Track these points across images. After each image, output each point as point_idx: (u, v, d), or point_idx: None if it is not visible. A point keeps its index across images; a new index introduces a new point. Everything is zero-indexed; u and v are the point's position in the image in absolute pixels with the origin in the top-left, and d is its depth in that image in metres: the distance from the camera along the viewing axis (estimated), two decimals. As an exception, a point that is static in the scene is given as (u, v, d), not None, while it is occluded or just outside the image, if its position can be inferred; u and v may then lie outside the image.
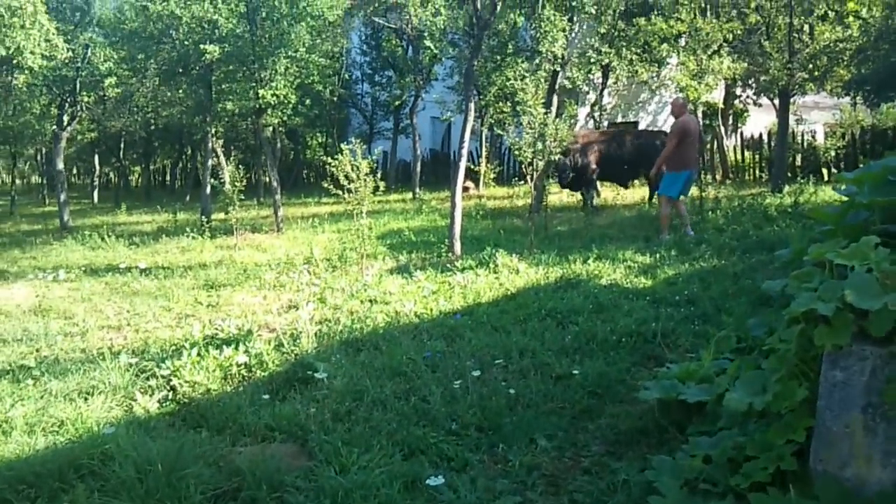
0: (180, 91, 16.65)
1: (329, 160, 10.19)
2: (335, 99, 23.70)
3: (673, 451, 4.12)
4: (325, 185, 10.25)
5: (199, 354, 6.11)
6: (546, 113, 10.54)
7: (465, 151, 10.53)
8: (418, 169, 21.47)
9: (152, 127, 24.48)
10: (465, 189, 20.81)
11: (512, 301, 8.00)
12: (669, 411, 4.59)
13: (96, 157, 27.74)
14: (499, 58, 14.47)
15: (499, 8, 10.48)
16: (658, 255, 9.93)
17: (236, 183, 11.86)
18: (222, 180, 11.94)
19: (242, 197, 12.38)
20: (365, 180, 9.82)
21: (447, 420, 4.82)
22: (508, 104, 10.56)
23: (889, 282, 2.98)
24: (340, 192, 9.96)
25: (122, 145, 27.06)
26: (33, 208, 28.02)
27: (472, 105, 10.41)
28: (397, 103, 22.60)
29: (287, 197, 22.46)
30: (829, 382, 3.11)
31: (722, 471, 3.45)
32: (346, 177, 9.76)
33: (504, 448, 4.44)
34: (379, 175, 10.28)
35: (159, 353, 6.51)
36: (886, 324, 2.95)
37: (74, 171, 41.12)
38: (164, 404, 5.35)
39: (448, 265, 9.86)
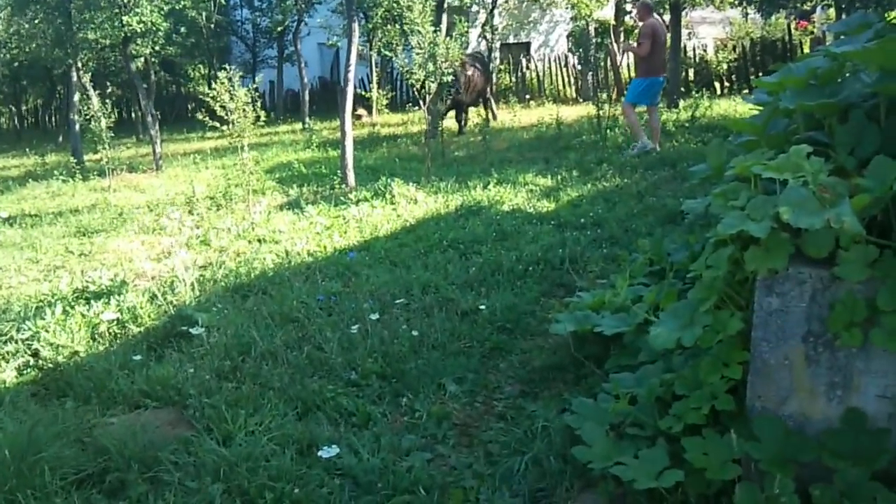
0: (36, 21, 15.17)
1: (205, 91, 9.39)
2: (212, 26, 22.31)
3: (592, 389, 3.81)
4: (201, 117, 9.46)
5: (64, 312, 5.46)
6: (435, 31, 9.96)
7: (351, 76, 9.87)
8: (306, 98, 20.52)
9: (16, 64, 22.58)
10: (358, 117, 20.05)
11: (411, 233, 7.56)
12: (585, 344, 4.28)
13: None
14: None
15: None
16: (560, 177, 9.64)
17: (103, 120, 10.87)
18: (88, 117, 10.92)
19: (112, 135, 11.38)
20: (244, 111, 9.08)
21: (346, 370, 4.38)
22: (397, 26, 9.92)
23: (828, 195, 2.65)
24: (218, 125, 9.21)
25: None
26: None
27: (355, 27, 9.72)
28: (279, 29, 21.43)
29: (168, 133, 21.23)
30: (764, 311, 2.79)
31: (650, 412, 3.13)
32: (224, 108, 9.00)
33: (410, 397, 4.04)
34: (263, 105, 9.55)
35: (21, 313, 5.79)
36: (827, 243, 2.63)
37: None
38: (23, 372, 4.72)
39: (342, 198, 9.32)
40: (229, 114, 9.12)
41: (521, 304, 5.25)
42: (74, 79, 14.53)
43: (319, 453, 3.35)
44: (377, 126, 17.62)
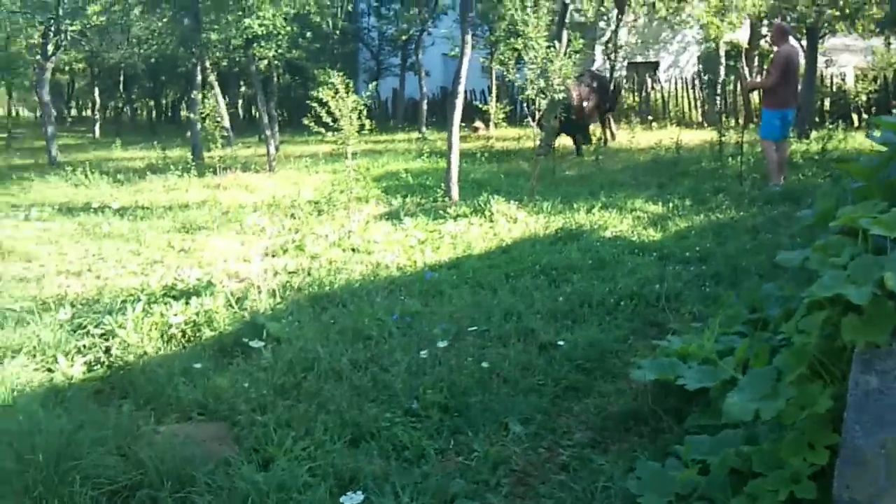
0: (165, 20, 15.71)
1: (316, 95, 9.41)
2: (338, 32, 22.66)
3: (668, 447, 3.46)
4: (306, 121, 9.49)
5: (144, 310, 5.48)
6: (549, 47, 9.66)
7: (461, 89, 9.72)
8: (424, 107, 20.54)
9: (152, 60, 23.63)
10: (475, 129, 19.98)
11: (505, 254, 7.30)
12: (667, 395, 3.92)
13: (96, 91, 26.97)
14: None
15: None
16: (671, 205, 9.18)
17: (218, 118, 11.07)
18: (204, 116, 11.16)
19: (226, 134, 11.60)
20: (350, 118, 9.04)
21: (408, 397, 4.15)
22: (520, 40, 9.71)
23: (947, 263, 2.25)
24: (323, 131, 9.21)
25: (122, 78, 26.26)
26: (34, 142, 27.37)
27: (468, 39, 9.56)
28: (404, 38, 21.57)
29: (290, 135, 21.69)
30: (860, 389, 2.40)
31: (721, 487, 2.77)
32: (330, 114, 8.98)
33: (469, 435, 3.78)
34: (385, 112, 9.49)
35: (106, 307, 5.85)
36: (941, 318, 2.23)
37: (82, 104, 40.44)
38: (93, 368, 4.72)
39: (441, 211, 9.15)
40: (335, 121, 9.08)
41: (606, 341, 4.90)
42: (199, 77, 14.97)
43: (342, 499, 3.12)
44: (492, 139, 17.44)
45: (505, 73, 9.78)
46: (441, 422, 3.92)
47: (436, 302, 5.88)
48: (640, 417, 3.88)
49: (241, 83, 27.91)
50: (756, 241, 7.20)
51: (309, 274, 6.88)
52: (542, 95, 9.73)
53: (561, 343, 4.81)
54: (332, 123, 9.17)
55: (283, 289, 6.31)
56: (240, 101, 30.28)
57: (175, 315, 5.07)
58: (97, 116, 26.00)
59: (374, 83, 11.85)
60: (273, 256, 7.88)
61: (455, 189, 9.93)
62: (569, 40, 13.34)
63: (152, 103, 34.54)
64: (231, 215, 9.91)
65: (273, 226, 9.12)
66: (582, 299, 5.69)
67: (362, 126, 9.30)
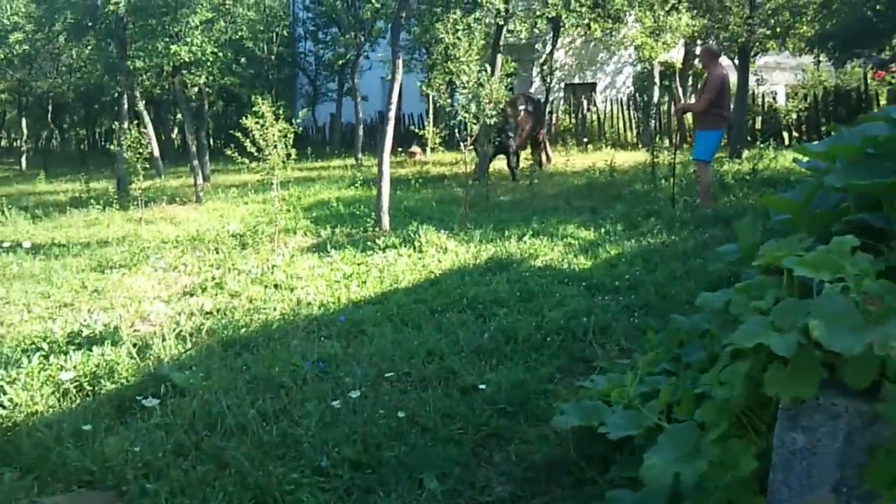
0: (89, 48, 15.19)
1: (245, 123, 9.04)
2: (274, 58, 22.29)
3: (590, 500, 3.21)
4: (229, 152, 9.14)
5: (41, 362, 5.07)
6: (481, 71, 9.48)
7: (391, 115, 9.46)
8: (360, 133, 20.26)
9: (82, 89, 22.95)
10: (412, 154, 19.75)
11: (433, 286, 7.01)
12: (592, 442, 3.66)
13: (23, 122, 26.12)
14: (438, 10, 13.33)
15: (427, -47, 9.33)
16: (603, 230, 9.02)
17: (141, 149, 10.63)
18: (124, 146, 10.69)
19: (146, 166, 11.13)
20: (276, 147, 8.70)
21: (318, 452, 3.84)
22: (451, 64, 9.53)
23: (874, 308, 2.03)
24: (247, 162, 8.87)
25: (50, 108, 25.46)
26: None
27: (399, 63, 9.32)
28: (341, 62, 21.28)
29: (224, 163, 21.17)
30: (786, 448, 2.17)
31: (643, 554, 2.51)
32: (254, 143, 8.63)
33: (381, 495, 3.48)
34: (323, 138, 9.18)
35: (1, 357, 5.41)
36: (870, 371, 2.02)
37: (14, 136, 39.16)
38: (-25, 431, 4.30)
39: (370, 243, 8.84)
40: (260, 151, 8.74)
41: (531, 381, 4.65)
42: (126, 106, 14.48)
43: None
44: (428, 164, 17.24)
45: (437, 98, 9.52)
46: (352, 481, 3.61)
47: (357, 343, 5.57)
48: (564, 466, 3.63)
49: (176, 111, 27.31)
50: (686, 267, 7.04)
51: (225, 315, 6.52)
52: (475, 120, 9.53)
53: (483, 386, 4.54)
54: (256, 153, 8.80)
55: (195, 332, 5.96)
56: (175, 130, 29.67)
57: (66, 371, 4.65)
58: (24, 148, 25.15)
59: (305, 110, 11.55)
60: (191, 295, 7.48)
61: (386, 218, 9.65)
62: (501, 63, 13.25)
63: (84, 133, 33.62)
64: (151, 251, 9.47)
65: (194, 262, 8.72)
66: (508, 335, 5.44)
67: (288, 156, 8.94)
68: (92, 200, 12.30)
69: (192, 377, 4.74)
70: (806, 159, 3.10)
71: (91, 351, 5.21)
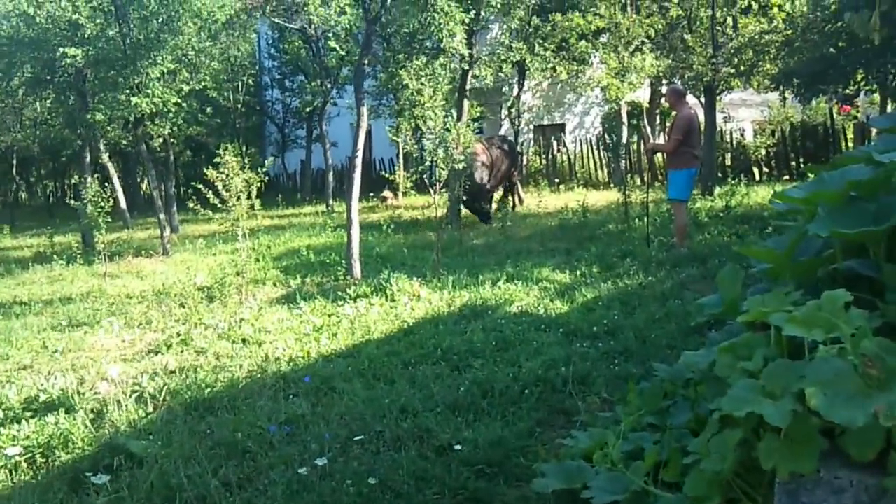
0: (48, 101, 14.98)
1: (207, 174, 8.87)
2: (239, 106, 22.19)
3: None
4: (192, 204, 8.95)
5: (-7, 432, 4.82)
6: (447, 116, 9.39)
7: (358, 162, 9.33)
8: (331, 179, 20.11)
9: (48, 142, 22.69)
10: (384, 199, 19.62)
11: (407, 337, 6.82)
12: (575, 504, 3.46)
13: (-12, 176, 25.85)
14: (402, 57, 13.31)
15: (388, 0, 9.27)
16: (579, 272, 8.88)
17: (102, 203, 10.38)
18: (86, 200, 10.45)
19: (108, 219, 10.86)
20: (238, 197, 8.51)
21: (284, 527, 3.61)
22: (416, 109, 9.50)
23: (875, 372, 1.87)
24: (210, 213, 8.67)
25: (13, 161, 25.15)
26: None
27: (363, 109, 9.20)
28: (308, 109, 21.21)
29: (194, 214, 20.86)
30: (786, 526, 1.99)
31: None
32: (217, 194, 8.44)
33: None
34: (294, 186, 8.99)
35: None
36: (875, 441, 1.85)
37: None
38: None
39: (340, 292, 8.63)
40: (223, 202, 8.55)
41: (510, 437, 4.45)
42: (87, 159, 14.24)
43: None
44: (401, 209, 17.10)
45: (403, 143, 9.42)
46: (318, 559, 3.38)
47: (326, 401, 5.34)
48: (548, 533, 3.43)
49: (140, 161, 27.10)
50: (665, 309, 6.90)
51: (190, 374, 6.27)
52: (443, 165, 9.42)
53: (459, 446, 4.32)
54: (220, 204, 8.61)
55: (158, 394, 5.70)
56: (145, 181, 29.36)
57: (14, 445, 4.39)
58: (-9, 202, 24.82)
59: (272, 158, 11.38)
60: (156, 353, 7.22)
61: (357, 266, 9.45)
62: (468, 108, 13.21)
63: (52, 186, 33.24)
64: (115, 307, 9.19)
65: (159, 317, 8.46)
66: (484, 389, 5.24)
67: (252, 206, 8.75)
68: (55, 256, 11.99)
69: (151, 445, 4.49)
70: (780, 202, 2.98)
71: (45, 419, 4.95)
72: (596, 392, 5.14)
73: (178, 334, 7.53)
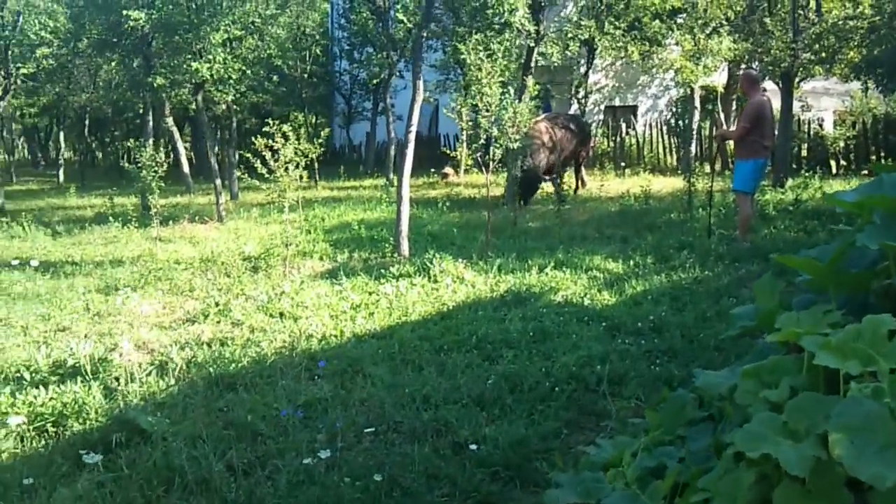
0: (113, 63, 15.11)
1: (256, 142, 8.76)
2: (305, 76, 22.13)
3: None
4: (238, 174, 8.85)
5: (14, 394, 4.78)
6: (504, 93, 9.08)
7: (411, 137, 9.10)
8: (392, 153, 19.93)
9: (120, 104, 23.05)
10: (444, 175, 19.38)
11: (442, 321, 6.59)
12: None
13: (61, 136, 26.33)
14: (462, 31, 12.98)
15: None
16: (632, 263, 8.52)
17: (156, 167, 10.37)
18: (139, 164, 10.45)
19: (162, 182, 10.86)
20: (287, 168, 8.37)
21: (284, 518, 3.44)
22: (473, 86, 9.23)
23: (917, 420, 1.56)
24: (257, 182, 8.56)
25: (86, 122, 25.67)
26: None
27: (419, 84, 8.98)
28: (374, 81, 21.04)
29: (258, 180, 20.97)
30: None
31: None
32: (264, 163, 8.31)
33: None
34: (358, 158, 8.84)
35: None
36: (909, 503, 1.54)
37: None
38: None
39: (383, 270, 8.45)
40: (271, 171, 8.43)
41: (533, 438, 4.20)
42: (151, 123, 14.34)
43: None
44: (460, 186, 16.85)
45: (458, 120, 9.15)
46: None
47: (350, 384, 5.16)
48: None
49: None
50: (718, 307, 6.52)
51: (221, 346, 6.17)
52: (497, 144, 9.13)
53: (475, 446, 4.08)
54: (267, 174, 8.49)
55: (185, 366, 5.61)
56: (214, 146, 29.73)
57: (17, 415, 4.30)
58: (61, 161, 25.32)
59: (328, 130, 11.21)
60: (192, 322, 7.15)
61: (405, 244, 9.25)
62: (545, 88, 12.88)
63: (122, 147, 33.96)
64: (162, 272, 9.18)
65: (203, 285, 8.41)
66: (513, 383, 4.99)
67: (301, 177, 8.60)
68: (112, 217, 12.09)
69: (161, 421, 4.36)
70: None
71: (63, 387, 4.88)
72: (631, 394, 4.83)
73: (217, 304, 7.45)
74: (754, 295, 2.67)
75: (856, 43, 15.26)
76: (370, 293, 7.68)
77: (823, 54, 15.20)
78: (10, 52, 14.50)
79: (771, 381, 2.01)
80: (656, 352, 5.56)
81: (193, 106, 19.54)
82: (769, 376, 2.03)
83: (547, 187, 14.10)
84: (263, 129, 8.53)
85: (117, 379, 5.25)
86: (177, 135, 14.82)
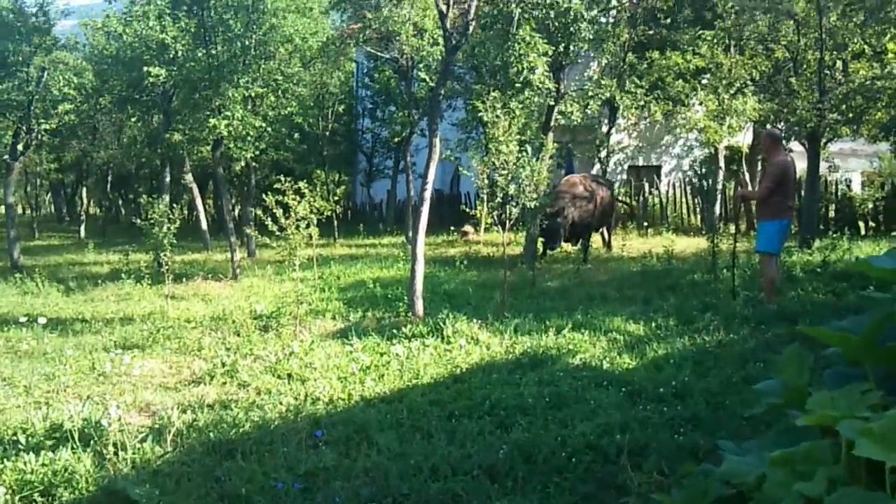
0: (132, 119, 15.22)
1: (267, 200, 8.67)
2: (327, 133, 22.23)
3: None
4: (249, 231, 8.73)
5: (1, 461, 4.58)
6: (521, 151, 8.93)
7: (427, 195, 8.96)
8: (411, 210, 19.87)
9: (143, 160, 23.26)
10: (464, 234, 19.23)
11: (455, 384, 6.34)
12: None
13: (83, 191, 26.58)
14: (480, 88, 12.95)
15: (471, 28, 8.92)
16: (653, 325, 8.23)
17: (168, 223, 10.29)
18: (152, 221, 10.38)
19: (175, 241, 10.77)
20: (298, 226, 8.23)
21: None
22: (491, 143, 9.16)
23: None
24: (267, 240, 8.42)
25: (109, 178, 25.92)
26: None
27: (436, 142, 8.86)
28: (396, 140, 21.09)
29: (268, 238, 20.94)
30: None
31: None
32: (274, 220, 8.18)
33: None
34: (379, 216, 8.69)
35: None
36: None
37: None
38: None
39: (395, 330, 8.23)
40: (282, 229, 8.29)
41: (546, 516, 3.91)
42: (168, 179, 14.36)
43: None
44: (480, 245, 16.66)
45: (474, 178, 9.03)
46: None
47: (355, 452, 4.91)
48: None
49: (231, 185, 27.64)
50: (744, 373, 6.22)
51: (225, 409, 5.95)
52: (515, 202, 8.97)
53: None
54: (278, 232, 8.36)
55: (185, 430, 5.39)
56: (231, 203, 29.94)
57: (2, 484, 4.09)
58: (83, 217, 25.51)
59: (343, 187, 11.11)
60: (198, 383, 6.95)
61: (419, 303, 9.03)
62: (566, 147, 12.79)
63: (130, 203, 34.30)
64: (172, 331, 9.01)
65: (212, 344, 8.23)
66: (528, 452, 4.71)
67: (310, 237, 8.46)
68: (125, 274, 12.00)
69: (151, 493, 4.12)
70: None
71: (54, 454, 4.67)
72: (653, 467, 4.52)
73: (224, 364, 7.25)
74: (780, 367, 2.43)
75: (884, 103, 15.02)
76: (381, 354, 7.45)
77: (850, 115, 14.96)
78: (32, 108, 14.63)
79: (805, 471, 1.76)
80: (679, 420, 5.26)
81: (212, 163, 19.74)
82: (803, 465, 1.78)
83: (567, 246, 13.91)
84: (274, 186, 8.41)
85: (115, 445, 5.03)
86: (196, 191, 14.78)
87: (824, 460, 1.75)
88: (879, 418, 1.65)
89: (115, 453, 4.76)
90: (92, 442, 5.07)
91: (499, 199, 8.85)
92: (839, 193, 18.28)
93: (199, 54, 12.44)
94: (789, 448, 1.86)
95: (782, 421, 2.46)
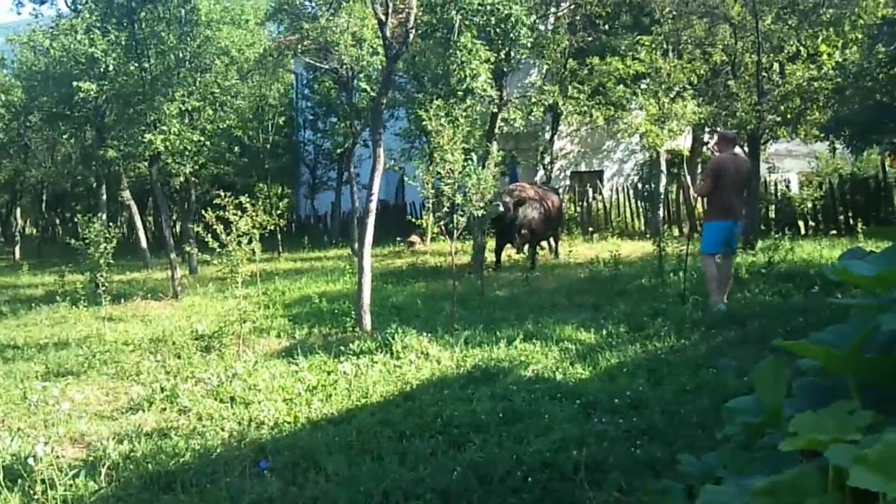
0: (64, 136, 14.72)
1: (206, 216, 8.37)
2: (268, 146, 21.86)
3: None
4: (188, 248, 8.42)
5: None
6: (467, 160, 8.79)
7: (372, 206, 8.75)
8: (356, 222, 19.60)
9: (79, 178, 22.57)
10: (411, 244, 19.04)
11: (405, 403, 6.13)
12: None
13: (17, 211, 25.69)
14: (421, 97, 12.81)
15: (411, 37, 8.75)
16: (605, 332, 8.13)
17: (104, 243, 9.88)
18: (87, 240, 9.97)
19: (112, 261, 10.37)
20: (239, 242, 7.95)
21: None
22: (436, 153, 9.01)
23: None
24: (207, 258, 8.14)
25: (44, 197, 25.12)
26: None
27: (380, 153, 8.66)
28: (339, 151, 20.81)
29: (208, 255, 20.45)
30: None
31: None
32: (214, 236, 7.89)
33: None
34: (324, 227, 8.42)
35: None
36: None
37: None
38: None
39: (343, 347, 8.00)
40: (222, 245, 8.00)
41: (503, 540, 3.73)
42: (104, 196, 13.89)
43: None
44: (427, 255, 16.48)
45: (411, 181, 8.89)
46: None
47: (303, 479, 4.67)
48: None
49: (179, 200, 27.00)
50: (697, 380, 6.14)
51: (164, 437, 5.65)
52: (460, 211, 8.81)
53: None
54: (218, 248, 8.06)
55: (121, 462, 5.09)
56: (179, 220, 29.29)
57: None
58: (17, 237, 24.65)
59: (286, 201, 10.85)
60: (136, 411, 6.63)
61: (366, 318, 8.81)
62: (509, 154, 12.70)
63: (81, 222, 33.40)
64: (109, 356, 8.64)
65: (151, 368, 7.90)
66: (482, 473, 4.53)
67: (253, 252, 8.18)
68: (60, 296, 11.52)
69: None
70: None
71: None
72: (612, 484, 4.38)
73: (163, 389, 6.93)
74: (752, 381, 2.29)
75: (821, 104, 15.28)
76: (328, 373, 7.21)
77: (789, 115, 15.19)
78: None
79: (791, 503, 1.61)
80: (636, 432, 5.13)
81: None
82: (788, 495, 1.62)
83: (511, 252, 13.85)
84: (215, 202, 8.12)
85: (44, 482, 4.71)
86: (134, 208, 14.32)
87: (815, 490, 1.59)
88: (873, 442, 1.50)
89: (44, 492, 4.45)
90: (20, 480, 4.76)
91: (445, 209, 8.69)
92: (779, 194, 18.56)
93: (132, 68, 12.03)
94: (771, 476, 1.71)
95: (757, 442, 2.31)
